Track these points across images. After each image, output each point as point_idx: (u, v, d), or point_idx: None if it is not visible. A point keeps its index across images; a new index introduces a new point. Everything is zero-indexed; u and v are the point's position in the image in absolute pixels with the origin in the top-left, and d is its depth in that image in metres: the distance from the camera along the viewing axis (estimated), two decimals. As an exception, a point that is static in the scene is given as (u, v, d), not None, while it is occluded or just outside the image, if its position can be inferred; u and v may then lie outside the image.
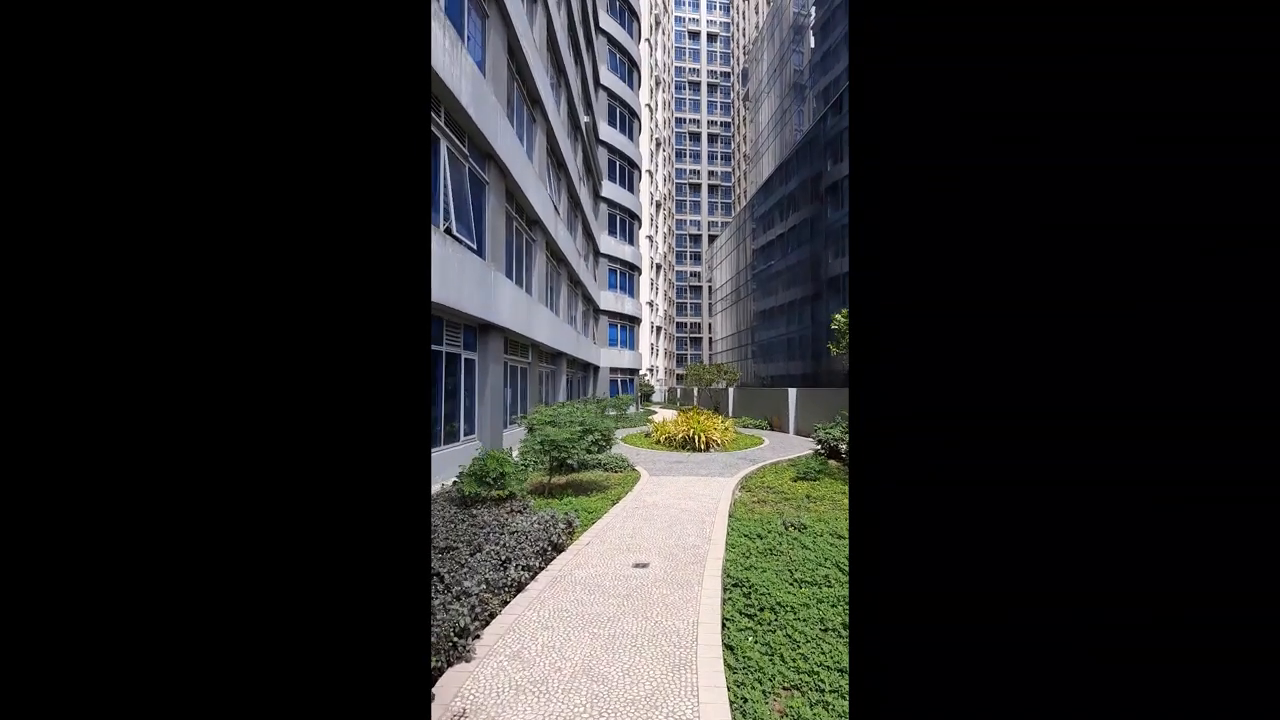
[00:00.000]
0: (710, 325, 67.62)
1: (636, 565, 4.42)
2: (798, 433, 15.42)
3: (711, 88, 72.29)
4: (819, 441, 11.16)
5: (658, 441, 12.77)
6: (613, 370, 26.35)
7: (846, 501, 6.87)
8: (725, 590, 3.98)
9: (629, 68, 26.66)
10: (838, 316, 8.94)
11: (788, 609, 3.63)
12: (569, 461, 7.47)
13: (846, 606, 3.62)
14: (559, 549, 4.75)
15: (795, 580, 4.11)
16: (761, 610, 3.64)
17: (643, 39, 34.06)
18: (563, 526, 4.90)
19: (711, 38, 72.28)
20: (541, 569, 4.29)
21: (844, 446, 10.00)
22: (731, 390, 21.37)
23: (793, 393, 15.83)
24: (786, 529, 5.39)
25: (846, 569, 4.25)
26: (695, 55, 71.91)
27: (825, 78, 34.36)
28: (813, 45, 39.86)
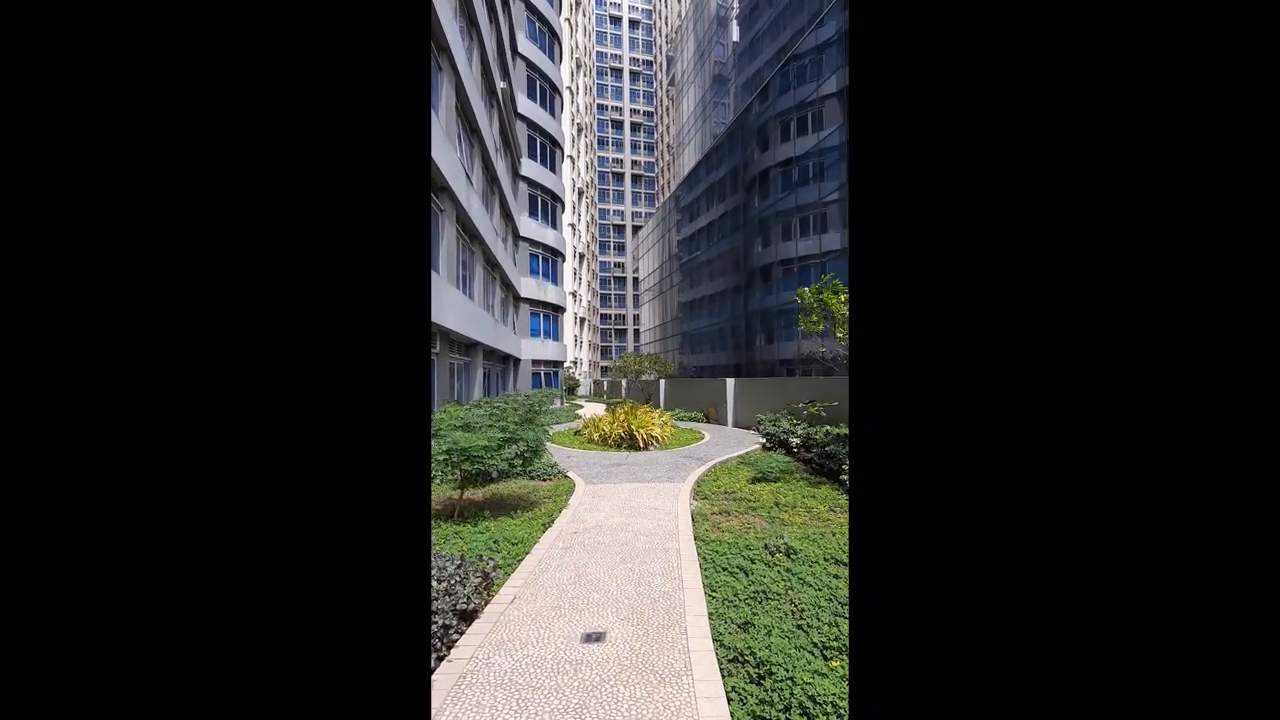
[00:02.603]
0: (635, 317, 66.78)
1: (588, 638, 3.02)
2: (736, 424, 14.63)
3: (634, 75, 71.04)
4: (765, 435, 10.32)
5: (590, 440, 11.35)
6: (535, 362, 24.44)
7: (822, 509, 5.84)
8: (723, 669, 2.70)
9: (549, 38, 24.68)
10: (805, 291, 7.97)
11: (825, 705, 2.41)
12: (487, 471, 5.90)
13: (910, 695, 2.46)
14: (470, 617, 3.23)
15: (816, 646, 2.90)
16: (788, 711, 2.39)
17: (563, 16, 32.02)
18: (476, 581, 3.38)
19: (634, 24, 70.94)
20: (440, 661, 2.78)
21: (794, 439, 9.18)
22: (663, 382, 20.34)
23: (731, 383, 15.01)
24: (772, 555, 4.22)
25: (878, 621, 3.10)
26: (617, 41, 70.25)
27: (749, 68, 34.24)
28: (736, 38, 39.78)
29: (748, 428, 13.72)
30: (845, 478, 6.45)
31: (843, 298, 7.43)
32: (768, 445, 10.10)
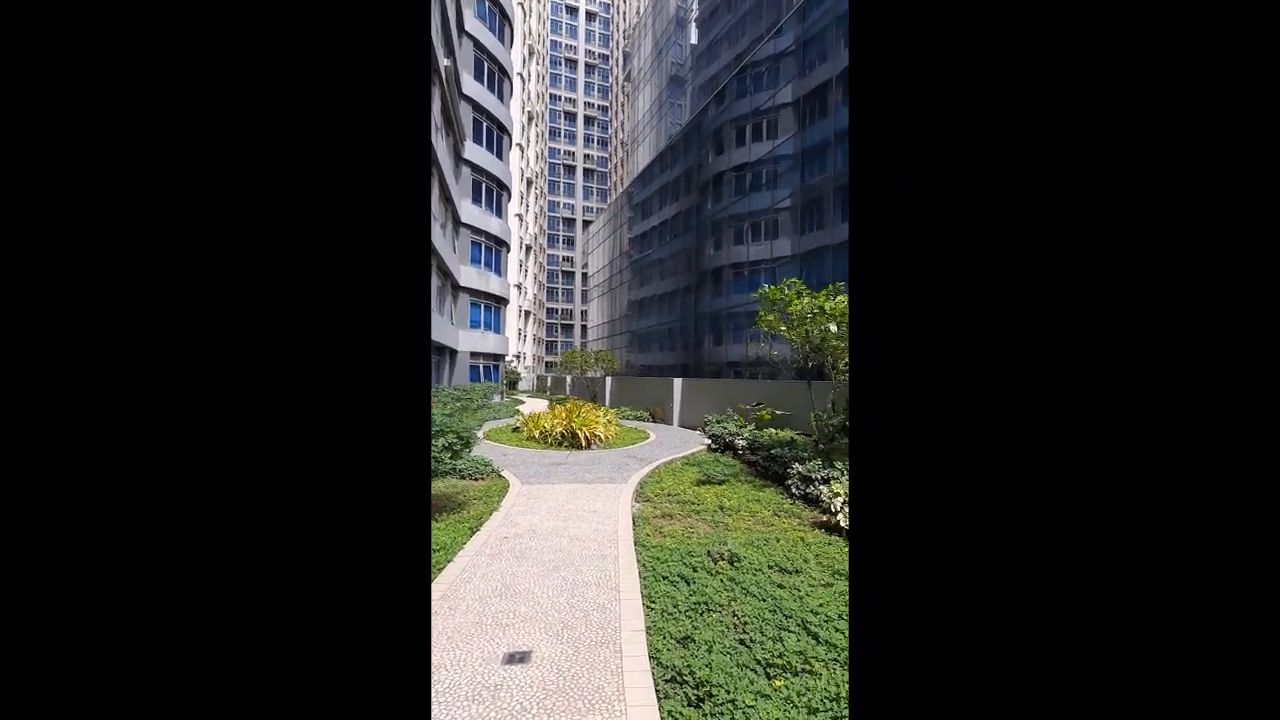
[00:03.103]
0: (583, 313, 66.02)
1: (511, 659, 2.69)
2: (683, 425, 14.55)
3: (590, 68, 70.18)
4: (711, 436, 10.26)
5: (530, 437, 10.89)
6: (474, 355, 23.45)
7: (766, 513, 5.74)
8: (659, 691, 2.46)
9: (500, 20, 23.74)
10: (768, 288, 7.89)
11: (770, 733, 2.21)
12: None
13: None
14: (375, 639, 2.83)
15: (759, 663, 2.72)
16: (729, 741, 2.17)
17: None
18: (384, 596, 2.97)
19: (590, 16, 70.04)
20: (332, 695, 2.37)
21: (740, 441, 9.15)
22: (610, 379, 20.06)
23: (678, 383, 14.92)
24: (715, 562, 4.04)
25: (822, 636, 2.97)
26: (573, 31, 69.15)
27: (706, 71, 34.48)
28: (694, 40, 39.98)
29: (694, 428, 13.68)
30: (790, 482, 6.41)
31: (805, 301, 7.38)
32: (714, 446, 10.03)
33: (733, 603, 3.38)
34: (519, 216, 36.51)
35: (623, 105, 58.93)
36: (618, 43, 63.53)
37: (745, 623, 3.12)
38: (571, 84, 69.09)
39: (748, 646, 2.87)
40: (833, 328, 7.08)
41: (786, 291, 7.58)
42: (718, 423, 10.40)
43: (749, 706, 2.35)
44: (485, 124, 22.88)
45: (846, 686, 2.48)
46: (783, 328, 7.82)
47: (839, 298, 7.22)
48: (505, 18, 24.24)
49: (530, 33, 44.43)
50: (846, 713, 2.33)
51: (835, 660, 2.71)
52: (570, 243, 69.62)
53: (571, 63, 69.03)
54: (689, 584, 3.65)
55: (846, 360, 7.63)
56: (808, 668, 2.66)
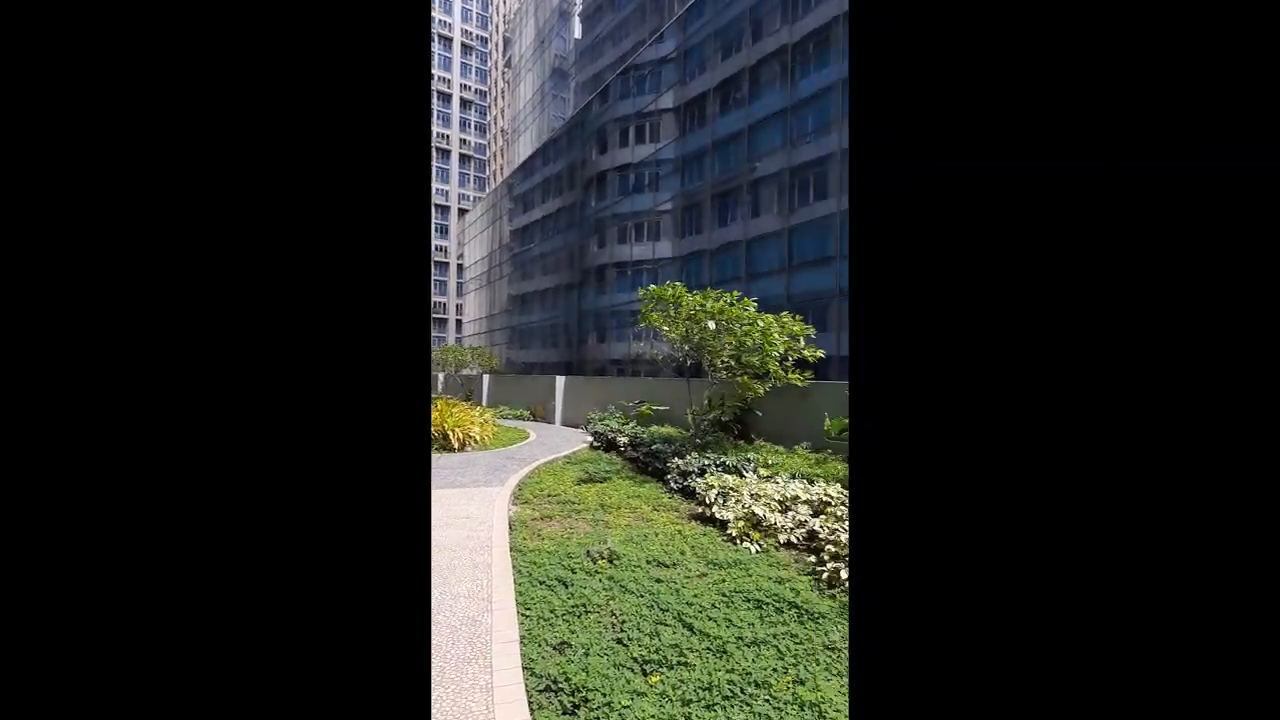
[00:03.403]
0: (458, 306, 62.49)
1: (363, 694, 2.39)
2: (565, 423, 14.36)
3: (466, 49, 66.51)
4: (593, 434, 10.23)
5: (397, 441, 10.01)
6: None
7: (646, 509, 5.87)
8: (533, 703, 2.34)
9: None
10: (654, 288, 8.05)
11: (645, 731, 2.20)
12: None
13: (730, 704, 2.39)
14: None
15: (636, 661, 2.71)
16: (605, 747, 2.13)
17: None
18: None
19: (469, -6, 66.41)
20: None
21: (622, 439, 9.24)
22: (487, 377, 19.19)
23: (560, 380, 14.69)
24: (595, 562, 3.99)
25: (696, 627, 3.05)
26: (447, 6, 65.01)
27: (590, 67, 34.40)
28: (578, 35, 39.65)
29: (577, 426, 13.58)
30: (670, 477, 6.59)
31: (694, 298, 7.68)
32: (596, 444, 10.01)
33: (611, 601, 3.36)
34: (387, 200, 33.47)
35: (503, 92, 56.66)
36: (498, 26, 60.90)
37: (623, 621, 3.11)
38: (446, 63, 64.94)
39: (625, 645, 2.85)
40: (711, 325, 7.44)
41: (670, 292, 7.84)
42: (600, 420, 10.42)
43: (625, 707, 2.33)
44: (345, 94, 20.59)
45: (719, 675, 2.57)
46: (665, 326, 8.05)
47: (723, 299, 7.64)
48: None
49: (400, 1, 40.87)
50: (718, 700, 2.40)
51: (709, 650, 2.80)
52: (444, 231, 65.51)
53: (446, 40, 64.87)
54: (567, 586, 3.56)
55: (723, 358, 8.06)
56: (683, 660, 2.71)
